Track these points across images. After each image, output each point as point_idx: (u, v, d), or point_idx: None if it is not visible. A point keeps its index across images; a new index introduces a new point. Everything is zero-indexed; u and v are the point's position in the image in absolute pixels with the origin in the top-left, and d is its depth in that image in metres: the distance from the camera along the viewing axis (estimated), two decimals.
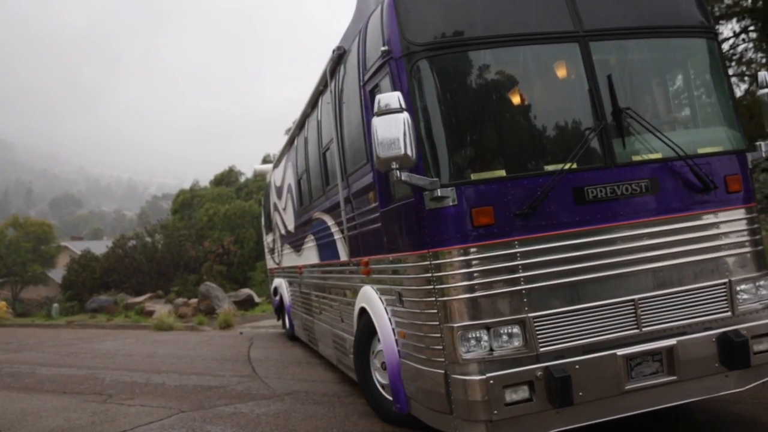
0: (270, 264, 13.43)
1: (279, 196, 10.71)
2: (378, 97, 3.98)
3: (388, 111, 3.90)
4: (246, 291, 22.08)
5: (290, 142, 9.41)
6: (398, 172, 3.95)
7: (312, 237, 7.86)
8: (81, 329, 18.62)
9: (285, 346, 11.19)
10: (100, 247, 34.29)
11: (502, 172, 4.20)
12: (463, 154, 4.39)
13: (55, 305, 25.82)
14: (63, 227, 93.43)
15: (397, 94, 3.96)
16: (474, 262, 4.07)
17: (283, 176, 10.16)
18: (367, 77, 4.97)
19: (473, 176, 4.19)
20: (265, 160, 43.22)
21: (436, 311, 4.15)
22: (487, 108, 4.52)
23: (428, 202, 4.16)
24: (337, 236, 6.46)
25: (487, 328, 4.02)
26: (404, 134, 3.85)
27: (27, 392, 8.15)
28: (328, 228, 6.83)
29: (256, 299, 21.20)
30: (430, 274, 4.17)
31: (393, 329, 4.85)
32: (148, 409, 6.66)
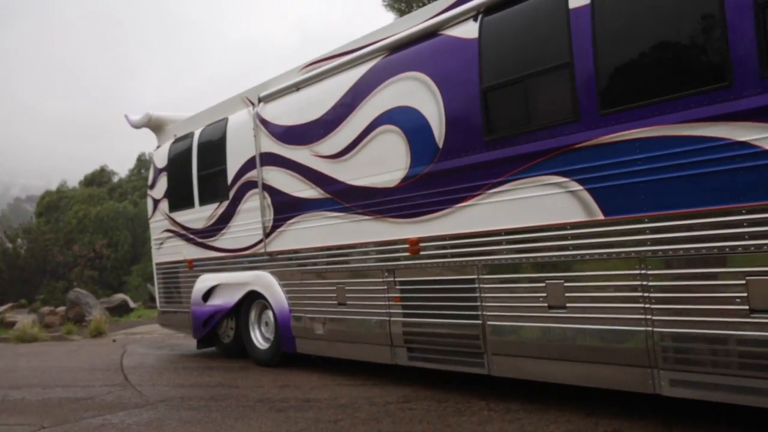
0: (191, 254, 9.54)
1: (289, 140, 7.70)
2: None
3: None
4: (120, 296, 21.04)
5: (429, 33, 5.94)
6: None
7: (512, 184, 5.09)
8: None
9: (161, 352, 10.75)
10: None
11: None
12: None
13: None
14: None
15: None
16: None
17: (338, 101, 6.96)
18: None
19: None
20: (140, 159, 41.31)
21: None
22: None
23: None
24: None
25: None
26: None
27: None
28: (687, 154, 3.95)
29: (131, 305, 20.30)
30: None
31: None
32: (3, 428, 6.18)
